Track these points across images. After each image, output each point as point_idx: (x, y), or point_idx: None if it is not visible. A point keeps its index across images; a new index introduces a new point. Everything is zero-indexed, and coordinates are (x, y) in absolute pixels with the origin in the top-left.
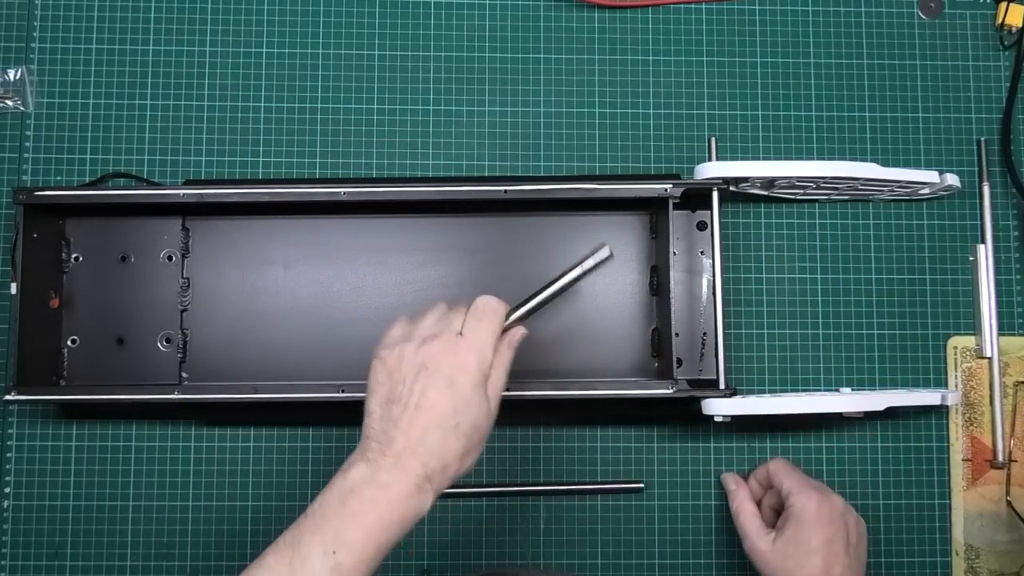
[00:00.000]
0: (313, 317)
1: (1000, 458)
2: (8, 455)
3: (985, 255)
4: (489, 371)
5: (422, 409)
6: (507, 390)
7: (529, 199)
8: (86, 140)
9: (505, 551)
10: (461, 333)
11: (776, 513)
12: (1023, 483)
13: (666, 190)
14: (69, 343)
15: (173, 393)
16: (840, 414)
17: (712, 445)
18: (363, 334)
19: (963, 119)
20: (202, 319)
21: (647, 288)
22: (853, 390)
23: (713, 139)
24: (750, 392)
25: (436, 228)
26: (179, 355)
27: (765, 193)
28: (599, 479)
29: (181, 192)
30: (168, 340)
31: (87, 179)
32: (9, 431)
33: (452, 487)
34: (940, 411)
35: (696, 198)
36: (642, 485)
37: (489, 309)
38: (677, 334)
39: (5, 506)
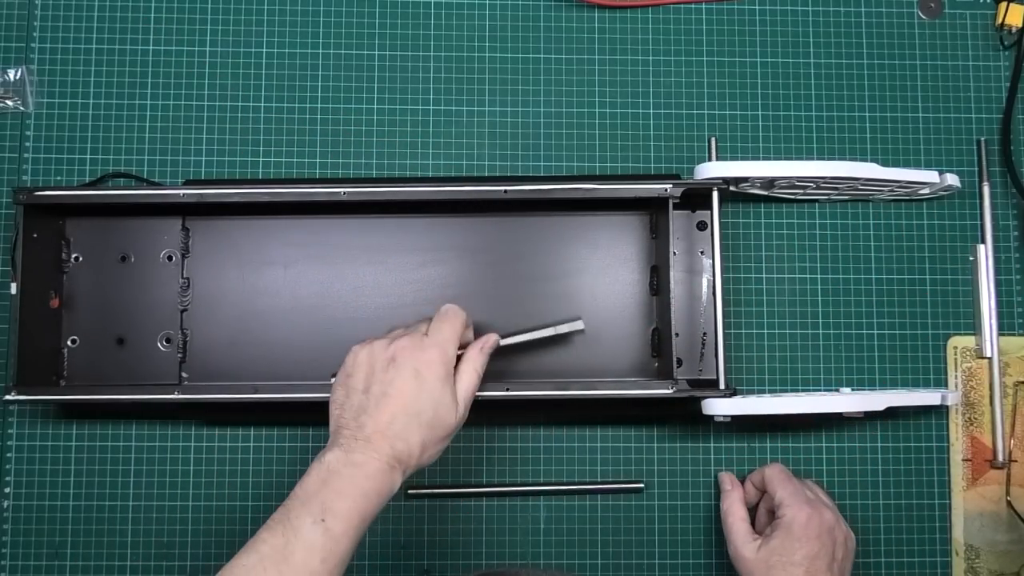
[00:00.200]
0: (313, 317)
1: (1000, 458)
2: (8, 455)
3: (985, 255)
4: (454, 367)
5: (390, 397)
6: (507, 390)
7: (529, 199)
8: (86, 140)
9: (505, 551)
10: (426, 334)
11: (771, 515)
12: (1023, 483)
13: (666, 190)
14: (69, 343)
15: (173, 393)
16: (840, 414)
17: (712, 445)
18: (363, 334)
19: (963, 119)
20: (202, 319)
21: (647, 288)
22: (853, 390)
23: (713, 139)
24: (750, 392)
25: (436, 228)
26: (179, 355)
27: (765, 193)
28: (599, 479)
29: (181, 192)
30: (168, 340)
31: (87, 179)
32: (9, 431)
33: (452, 487)
34: (940, 411)
35: (696, 198)
36: (642, 485)
37: (450, 312)
38: (677, 334)
39: (5, 506)
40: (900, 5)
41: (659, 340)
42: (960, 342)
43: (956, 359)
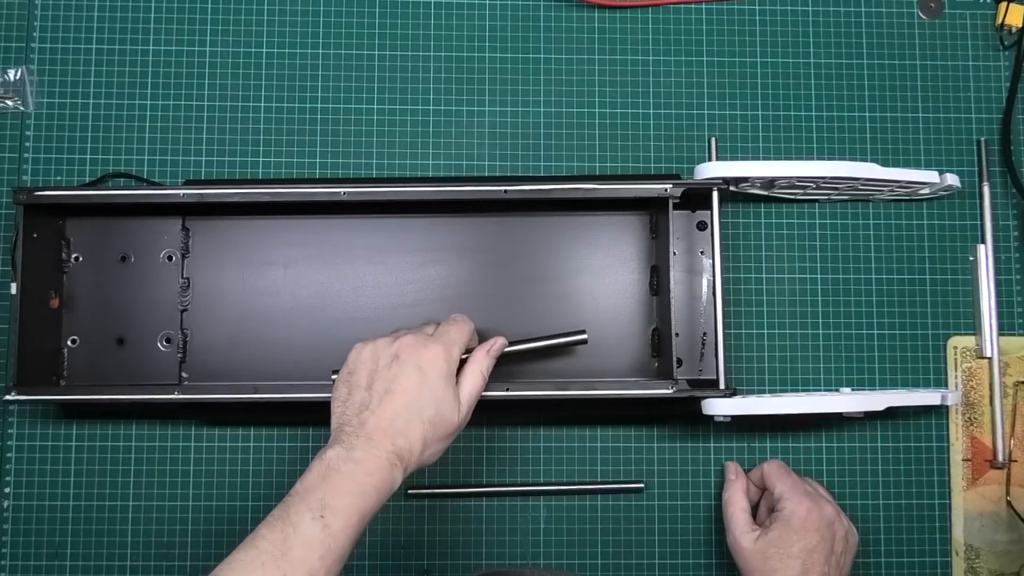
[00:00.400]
0: (313, 317)
1: (1000, 458)
2: (8, 455)
3: (985, 255)
4: (458, 368)
5: (393, 393)
6: (507, 390)
7: (529, 199)
8: (86, 140)
9: (505, 551)
10: (431, 335)
11: (772, 512)
12: (1023, 483)
13: (666, 190)
14: (69, 343)
15: (173, 393)
16: (840, 414)
17: (712, 445)
18: (363, 334)
19: (963, 119)
20: (202, 319)
21: (647, 288)
22: (853, 390)
23: (713, 139)
24: (750, 392)
25: (436, 228)
26: (179, 355)
27: (765, 193)
28: (599, 479)
29: (181, 192)
30: (168, 340)
31: (87, 179)
32: (9, 431)
33: (452, 487)
34: (940, 411)
35: (696, 198)
36: (642, 485)
37: (459, 318)
38: (677, 334)
39: (5, 506)
40: (900, 5)
41: (659, 340)
42: (960, 342)
43: (956, 359)
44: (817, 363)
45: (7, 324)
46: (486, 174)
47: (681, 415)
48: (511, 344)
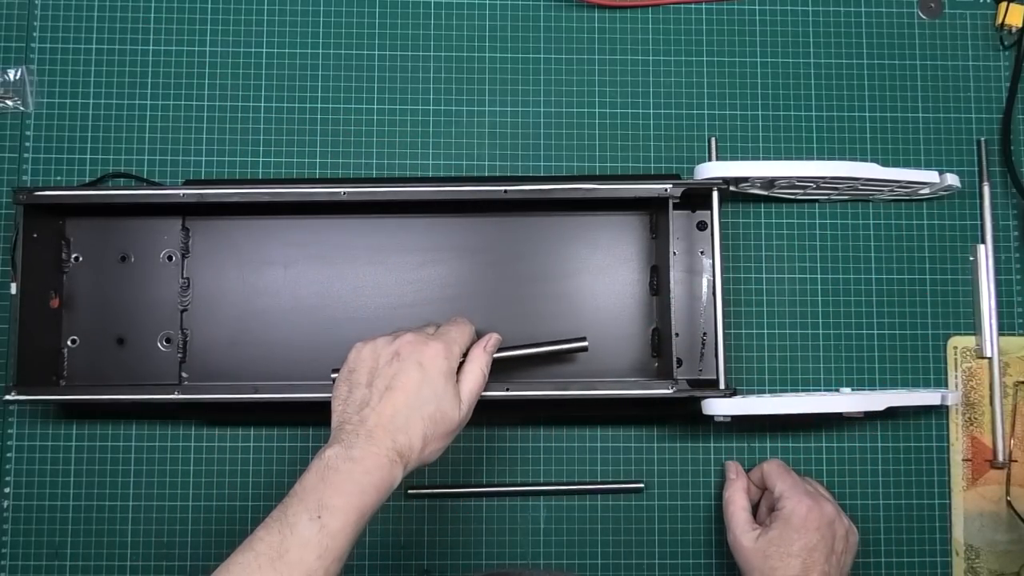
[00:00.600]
0: (313, 317)
1: (1000, 458)
2: (8, 455)
3: (985, 255)
4: (459, 366)
5: (393, 390)
6: (507, 390)
7: (529, 199)
8: (86, 140)
9: (505, 551)
10: (432, 335)
11: (772, 512)
12: (1023, 483)
13: (666, 190)
14: (69, 343)
15: (173, 393)
16: (840, 414)
17: (712, 445)
18: (363, 334)
19: (963, 119)
20: (202, 319)
21: (647, 288)
22: (853, 390)
23: (713, 139)
24: (750, 392)
25: (436, 228)
26: (179, 355)
27: (765, 193)
28: (599, 479)
29: (181, 192)
30: (168, 340)
31: (87, 179)
32: (9, 431)
33: (452, 487)
34: (940, 411)
35: (696, 198)
36: (642, 485)
37: (460, 320)
38: (677, 334)
39: (5, 506)
40: (900, 5)
41: (659, 340)
42: (960, 342)
43: (956, 359)
44: (817, 363)
45: (7, 324)
46: (486, 174)
47: (681, 415)
48: (512, 349)
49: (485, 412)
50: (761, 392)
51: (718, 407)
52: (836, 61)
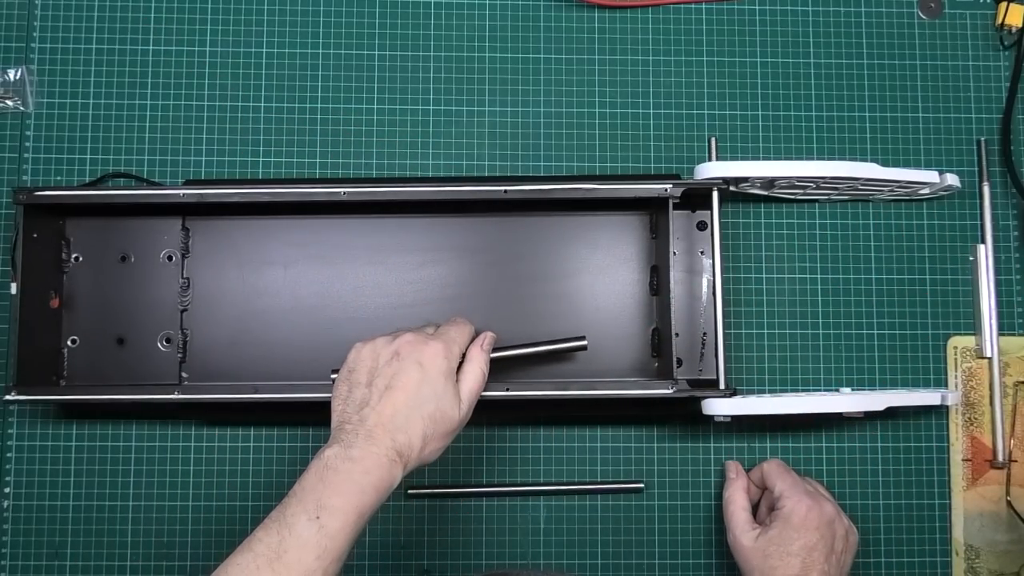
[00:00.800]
0: (313, 317)
1: (1000, 458)
2: (8, 455)
3: (985, 255)
4: (458, 366)
5: (393, 390)
6: (507, 390)
7: (529, 199)
8: (86, 140)
9: (505, 551)
10: (431, 335)
11: (772, 511)
12: (1023, 483)
13: (666, 190)
14: (69, 343)
15: (173, 393)
16: (840, 414)
17: (712, 445)
18: (363, 334)
19: (963, 119)
20: (202, 319)
21: (647, 288)
22: (853, 390)
23: (713, 139)
24: (750, 392)
25: (436, 228)
26: (179, 355)
27: (765, 193)
28: (599, 479)
29: (181, 192)
30: (168, 340)
31: (87, 179)
32: (9, 431)
33: (452, 487)
34: (940, 411)
35: (696, 198)
36: (642, 485)
37: (459, 320)
38: (677, 334)
39: (5, 506)
40: (900, 5)
41: (659, 340)
42: (960, 342)
43: (956, 359)
44: (817, 363)
45: (7, 324)
46: (486, 174)
47: (681, 415)
48: (511, 348)
49: (485, 412)
50: (761, 392)
51: (718, 407)
52: (836, 61)
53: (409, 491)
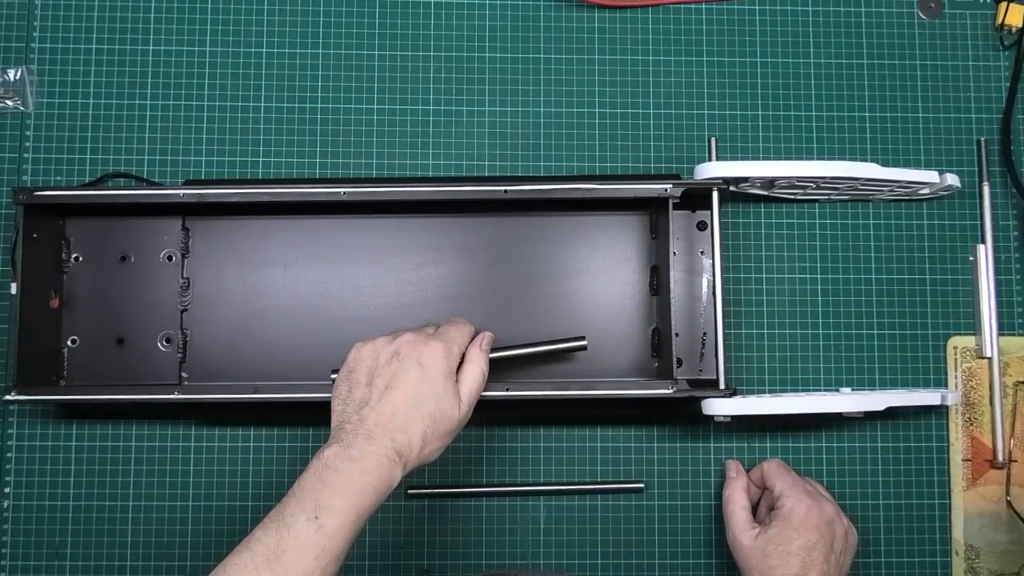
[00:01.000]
0: (313, 317)
1: (1000, 458)
2: (8, 455)
3: (985, 255)
4: (458, 366)
5: (393, 389)
6: (507, 390)
7: (529, 199)
8: (86, 140)
9: (505, 551)
10: (431, 335)
11: (772, 511)
12: (1023, 483)
13: (666, 190)
14: (69, 343)
15: (173, 393)
16: (840, 414)
17: (712, 445)
18: (363, 334)
19: (963, 119)
20: (202, 319)
21: (647, 288)
22: (853, 390)
23: (713, 139)
24: (750, 392)
25: (436, 228)
26: (179, 355)
27: (765, 193)
28: (599, 479)
29: (181, 192)
30: (168, 340)
31: (87, 179)
32: (9, 431)
33: (452, 487)
34: (940, 411)
35: (696, 198)
36: (642, 485)
37: (459, 320)
38: (677, 334)
39: (5, 506)
40: (900, 5)
41: (659, 340)
42: (960, 342)
43: (956, 359)
44: (817, 363)
45: (7, 324)
46: (486, 174)
47: (681, 415)
48: (511, 348)
49: (485, 412)
50: (761, 392)
51: (718, 407)
52: (836, 61)
53: (409, 491)
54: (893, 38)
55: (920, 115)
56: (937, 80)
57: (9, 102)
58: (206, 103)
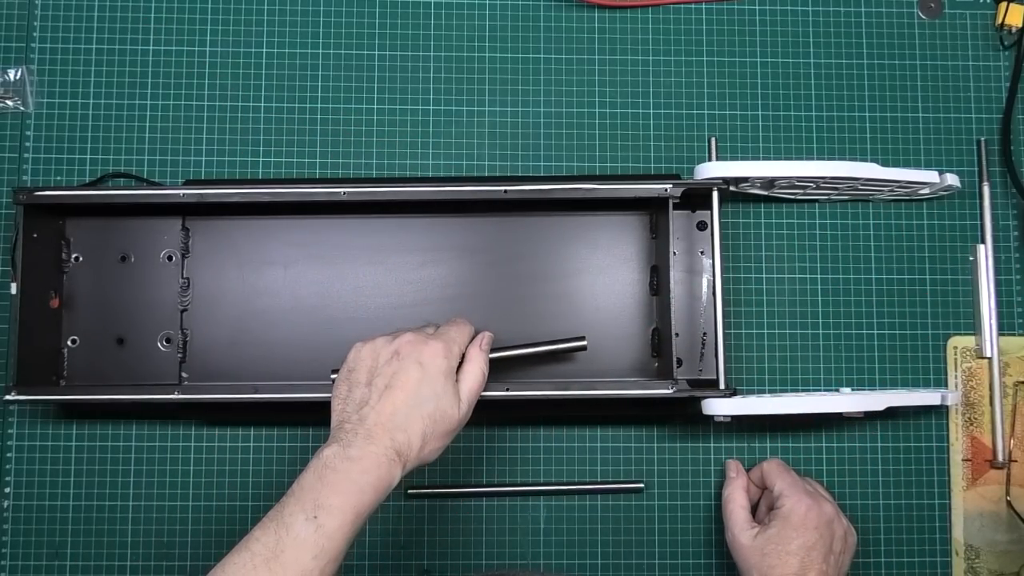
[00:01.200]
0: (313, 317)
1: (1000, 458)
2: (8, 455)
3: (985, 255)
4: (458, 366)
5: (393, 389)
6: (507, 390)
7: (529, 199)
8: (86, 140)
9: (505, 551)
10: (431, 335)
11: (772, 511)
12: (1023, 483)
13: (666, 190)
14: (69, 343)
15: (173, 393)
16: (840, 414)
17: (712, 445)
18: (363, 334)
19: (963, 119)
20: (202, 319)
21: (647, 288)
22: (853, 390)
23: (713, 139)
24: (750, 392)
25: (436, 228)
26: (179, 355)
27: (765, 193)
28: (599, 479)
29: (181, 192)
30: (168, 340)
31: (87, 179)
32: (9, 431)
33: (452, 487)
34: (940, 411)
35: (696, 198)
36: (642, 485)
37: (459, 320)
38: (677, 334)
39: (5, 506)
40: (900, 5)
41: (659, 340)
42: (960, 342)
43: (956, 359)
44: (817, 363)
45: (7, 324)
46: (486, 174)
47: (681, 415)
48: (511, 348)
49: (485, 412)
50: (761, 392)
51: (718, 407)
52: (836, 61)
53: (409, 491)
54: (893, 38)
55: (920, 115)
56: (937, 80)
57: (9, 102)
58: (206, 103)
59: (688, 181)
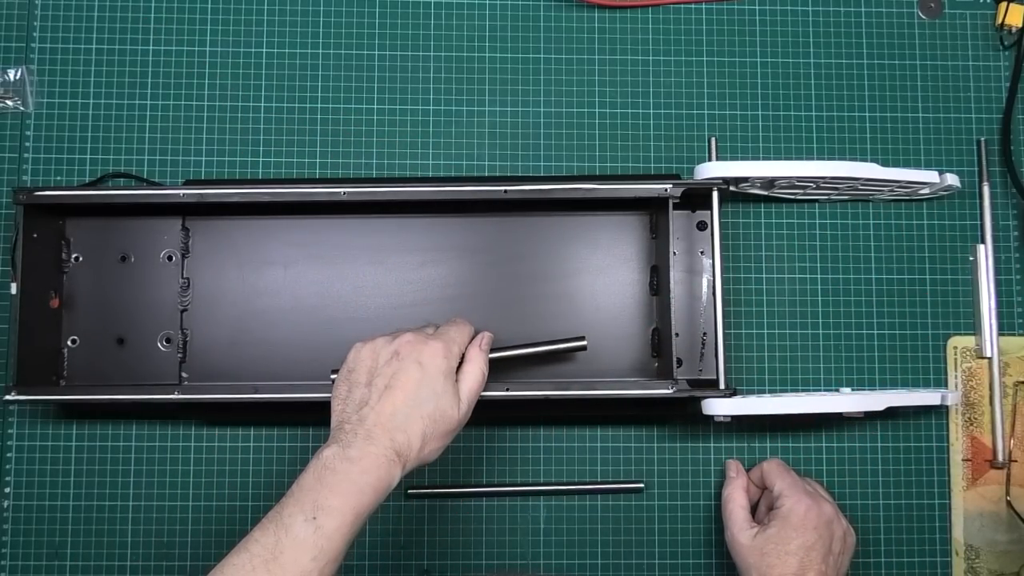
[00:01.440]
0: (313, 317)
1: (1000, 458)
2: (8, 455)
3: (985, 255)
4: (458, 366)
5: (393, 389)
6: (507, 390)
7: (529, 199)
8: (86, 140)
9: (505, 551)
10: (431, 335)
11: (771, 511)
12: (1023, 483)
13: (666, 190)
14: (69, 343)
15: (173, 393)
16: (840, 414)
17: (712, 445)
18: (363, 334)
19: (963, 119)
20: (202, 319)
21: (647, 288)
22: (853, 390)
23: (713, 139)
24: (750, 392)
25: (436, 228)
26: (179, 355)
27: (765, 193)
28: (599, 479)
29: (181, 192)
30: (168, 340)
31: (87, 179)
32: (9, 431)
33: (452, 487)
34: (940, 411)
35: (696, 198)
36: (642, 485)
37: (459, 320)
38: (677, 334)
39: (5, 506)
40: (900, 5)
41: (659, 340)
42: (960, 342)
43: (956, 359)
44: (817, 363)
45: (7, 324)
46: (486, 174)
47: (681, 415)
48: (511, 348)
49: (485, 412)
50: (761, 392)
51: (718, 407)
52: (836, 61)
53: (409, 491)
54: (893, 38)
55: (920, 115)
56: (937, 80)
57: (9, 102)
58: (206, 103)
59: (688, 181)
